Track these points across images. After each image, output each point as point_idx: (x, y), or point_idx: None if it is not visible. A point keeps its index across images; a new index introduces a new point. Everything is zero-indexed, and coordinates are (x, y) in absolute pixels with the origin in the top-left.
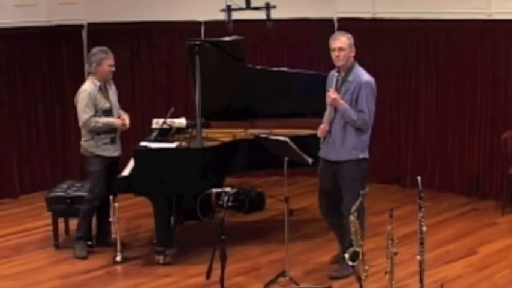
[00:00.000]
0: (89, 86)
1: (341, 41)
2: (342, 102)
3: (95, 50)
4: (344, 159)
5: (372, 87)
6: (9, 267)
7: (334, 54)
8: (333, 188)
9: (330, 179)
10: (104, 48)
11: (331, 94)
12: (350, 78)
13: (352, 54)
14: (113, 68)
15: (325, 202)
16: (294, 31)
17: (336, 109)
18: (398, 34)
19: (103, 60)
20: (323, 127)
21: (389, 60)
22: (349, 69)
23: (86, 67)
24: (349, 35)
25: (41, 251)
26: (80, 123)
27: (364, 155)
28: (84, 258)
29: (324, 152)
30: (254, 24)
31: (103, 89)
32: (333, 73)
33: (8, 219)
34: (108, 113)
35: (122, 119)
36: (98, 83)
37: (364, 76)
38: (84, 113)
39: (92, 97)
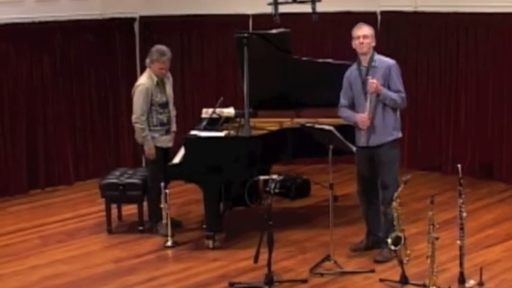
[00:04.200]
0: (146, 81)
1: (365, 30)
2: (381, 87)
3: (155, 48)
4: (385, 141)
5: (399, 68)
6: (64, 251)
7: (358, 42)
8: (372, 176)
9: (369, 166)
10: (163, 49)
11: (373, 81)
12: (375, 64)
13: (373, 44)
14: (164, 71)
15: (366, 190)
16: (338, 24)
17: (377, 95)
18: (439, 27)
19: (154, 62)
20: (366, 117)
21: (431, 52)
22: (371, 58)
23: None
24: (371, 27)
25: (95, 236)
26: (132, 117)
27: (400, 134)
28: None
29: (365, 140)
30: (300, 17)
31: (160, 84)
32: (353, 69)
33: (63, 205)
34: (164, 106)
35: (151, 154)
36: (155, 78)
37: (389, 59)
38: (139, 110)
39: (148, 92)
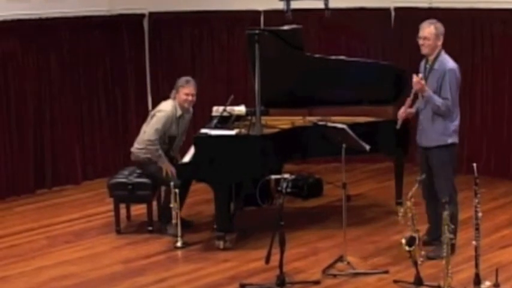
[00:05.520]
0: (171, 110)
1: (426, 31)
2: (426, 88)
3: (181, 78)
4: (433, 144)
5: (456, 74)
6: (72, 252)
7: (419, 42)
8: (429, 174)
9: (425, 164)
10: (188, 78)
11: (416, 79)
12: (436, 66)
13: (439, 43)
14: (190, 98)
15: (426, 187)
16: (351, 20)
17: (422, 96)
18: (454, 23)
19: (180, 88)
20: (402, 110)
21: (446, 48)
22: (435, 58)
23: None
24: (438, 25)
25: (103, 237)
26: (146, 138)
27: (453, 139)
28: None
29: (418, 138)
30: (312, 14)
31: (181, 118)
32: (423, 63)
33: (71, 205)
34: (172, 140)
35: (170, 168)
36: (180, 111)
37: (449, 63)
38: (155, 134)
39: (168, 121)
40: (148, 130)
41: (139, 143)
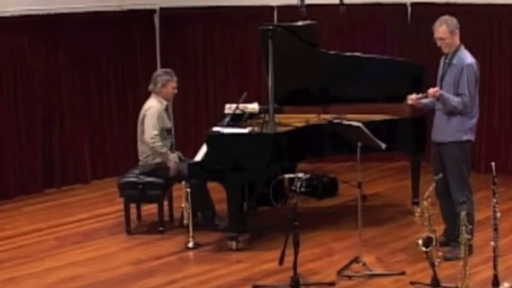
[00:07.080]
0: (157, 104)
1: (440, 31)
2: (442, 93)
3: (160, 71)
4: (447, 140)
5: (474, 69)
6: (81, 252)
7: (437, 44)
8: (440, 171)
9: (438, 162)
10: (169, 70)
11: (431, 92)
12: (454, 61)
13: (456, 37)
14: (176, 90)
15: (438, 187)
16: (367, 16)
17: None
18: (471, 19)
19: (168, 82)
20: (414, 96)
21: (464, 44)
22: (454, 53)
23: (151, 86)
24: (449, 21)
25: (113, 237)
26: (147, 138)
27: (468, 137)
28: (227, 229)
29: (433, 134)
30: (327, 9)
31: (168, 109)
32: (443, 58)
33: (80, 205)
34: (169, 132)
35: (176, 168)
36: (165, 102)
37: (467, 59)
38: (153, 129)
39: (160, 114)
40: (146, 130)
41: (144, 152)
